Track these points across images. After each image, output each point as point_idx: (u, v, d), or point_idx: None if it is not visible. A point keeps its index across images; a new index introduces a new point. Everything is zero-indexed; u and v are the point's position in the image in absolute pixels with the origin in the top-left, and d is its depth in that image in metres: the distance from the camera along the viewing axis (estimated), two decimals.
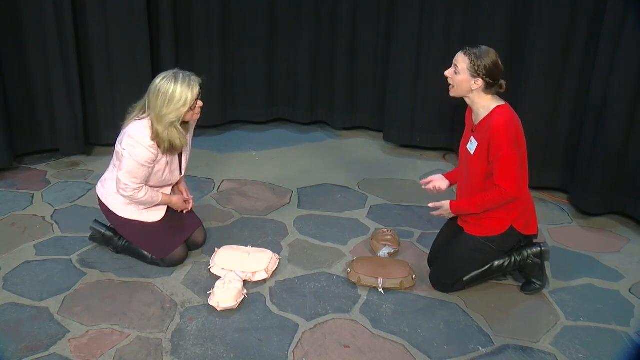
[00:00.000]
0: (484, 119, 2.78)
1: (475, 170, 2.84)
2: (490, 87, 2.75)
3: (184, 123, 2.98)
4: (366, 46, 4.80)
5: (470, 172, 2.87)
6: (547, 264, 3.00)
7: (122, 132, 2.97)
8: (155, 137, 2.88)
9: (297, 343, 2.64)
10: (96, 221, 3.25)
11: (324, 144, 4.86)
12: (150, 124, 2.89)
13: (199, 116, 3.01)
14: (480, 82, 2.73)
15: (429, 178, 3.15)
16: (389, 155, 4.69)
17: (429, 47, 4.40)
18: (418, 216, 3.73)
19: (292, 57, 5.00)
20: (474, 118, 2.87)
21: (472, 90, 2.76)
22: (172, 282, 3.02)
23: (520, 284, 3.04)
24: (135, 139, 2.88)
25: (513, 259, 2.96)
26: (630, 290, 3.07)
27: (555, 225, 3.70)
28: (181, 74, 2.87)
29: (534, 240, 3.01)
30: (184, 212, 3.25)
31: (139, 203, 3.04)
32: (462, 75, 2.75)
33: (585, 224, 3.72)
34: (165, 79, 2.86)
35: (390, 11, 4.61)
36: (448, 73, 2.82)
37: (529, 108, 3.89)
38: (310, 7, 4.82)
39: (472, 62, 2.72)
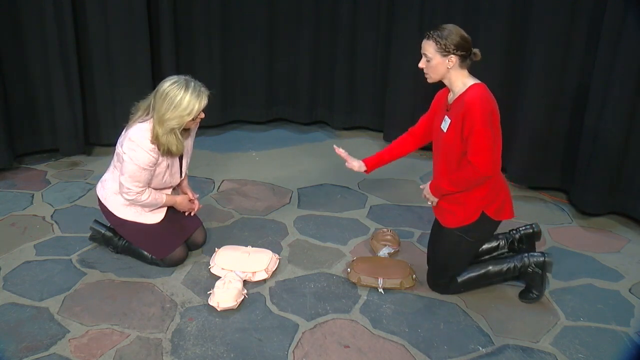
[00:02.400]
0: (460, 95, 2.74)
1: (449, 149, 2.78)
2: (465, 59, 2.72)
3: (185, 130, 2.98)
4: (366, 46, 4.80)
5: (444, 151, 2.82)
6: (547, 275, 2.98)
7: (124, 134, 2.97)
8: (155, 140, 2.87)
9: (297, 343, 2.64)
10: (96, 221, 3.25)
11: (324, 144, 4.86)
12: (152, 127, 2.88)
13: (198, 125, 3.02)
14: (453, 58, 2.70)
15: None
16: None
17: None
18: (418, 216, 3.73)
19: (292, 57, 5.00)
20: (449, 97, 2.83)
21: (449, 70, 2.73)
22: (172, 282, 3.02)
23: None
24: (136, 142, 2.87)
25: (513, 265, 2.93)
26: (630, 290, 3.07)
27: (555, 225, 3.70)
28: (192, 83, 2.84)
29: (537, 250, 2.97)
30: (191, 213, 3.25)
31: (143, 205, 3.03)
32: (434, 60, 2.72)
33: (585, 224, 3.72)
34: (175, 84, 2.82)
35: (390, 11, 4.61)
36: (421, 64, 2.79)
37: (529, 108, 3.90)
38: (310, 7, 4.82)
39: (438, 43, 2.69)
